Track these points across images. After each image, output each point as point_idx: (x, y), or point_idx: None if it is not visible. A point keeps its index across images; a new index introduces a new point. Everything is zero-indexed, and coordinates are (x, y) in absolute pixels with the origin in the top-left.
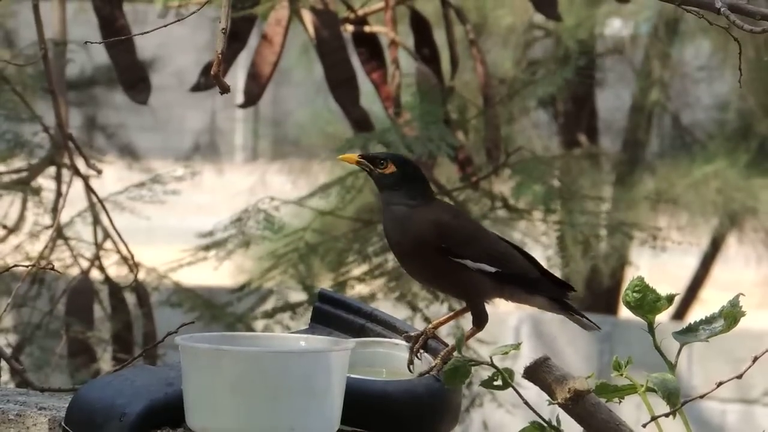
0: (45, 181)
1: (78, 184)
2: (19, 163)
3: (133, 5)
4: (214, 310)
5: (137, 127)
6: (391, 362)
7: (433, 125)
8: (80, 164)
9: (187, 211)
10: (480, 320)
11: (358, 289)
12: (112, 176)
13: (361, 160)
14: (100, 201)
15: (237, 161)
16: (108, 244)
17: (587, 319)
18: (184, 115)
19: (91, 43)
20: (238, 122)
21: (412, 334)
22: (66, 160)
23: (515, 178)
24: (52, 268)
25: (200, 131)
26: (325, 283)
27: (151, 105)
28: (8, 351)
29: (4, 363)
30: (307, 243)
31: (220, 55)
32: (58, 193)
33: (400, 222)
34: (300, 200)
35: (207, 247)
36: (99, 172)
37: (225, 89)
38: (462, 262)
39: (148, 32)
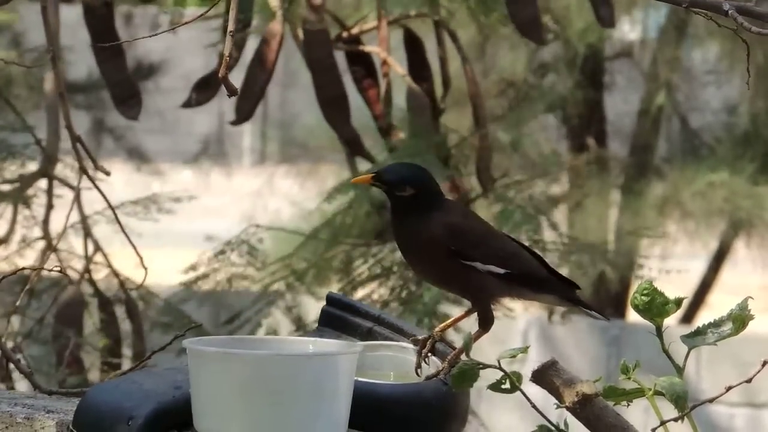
0: (42, 193)
1: (85, 190)
2: (9, 174)
3: (144, 8)
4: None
5: (145, 130)
6: (399, 365)
7: (425, 153)
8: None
9: (195, 214)
10: (486, 322)
11: (362, 294)
12: (120, 179)
13: (376, 183)
14: (111, 206)
15: (245, 164)
16: (98, 257)
17: (595, 311)
18: (192, 117)
19: (99, 45)
20: (245, 125)
21: (420, 337)
22: (70, 165)
23: (498, 204)
24: (60, 271)
25: (208, 134)
26: (328, 288)
27: (159, 108)
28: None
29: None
30: (305, 259)
31: (227, 58)
32: (49, 206)
33: (412, 227)
34: (304, 211)
35: (195, 279)
36: (107, 173)
37: (232, 91)
38: (471, 264)
39: (150, 35)
